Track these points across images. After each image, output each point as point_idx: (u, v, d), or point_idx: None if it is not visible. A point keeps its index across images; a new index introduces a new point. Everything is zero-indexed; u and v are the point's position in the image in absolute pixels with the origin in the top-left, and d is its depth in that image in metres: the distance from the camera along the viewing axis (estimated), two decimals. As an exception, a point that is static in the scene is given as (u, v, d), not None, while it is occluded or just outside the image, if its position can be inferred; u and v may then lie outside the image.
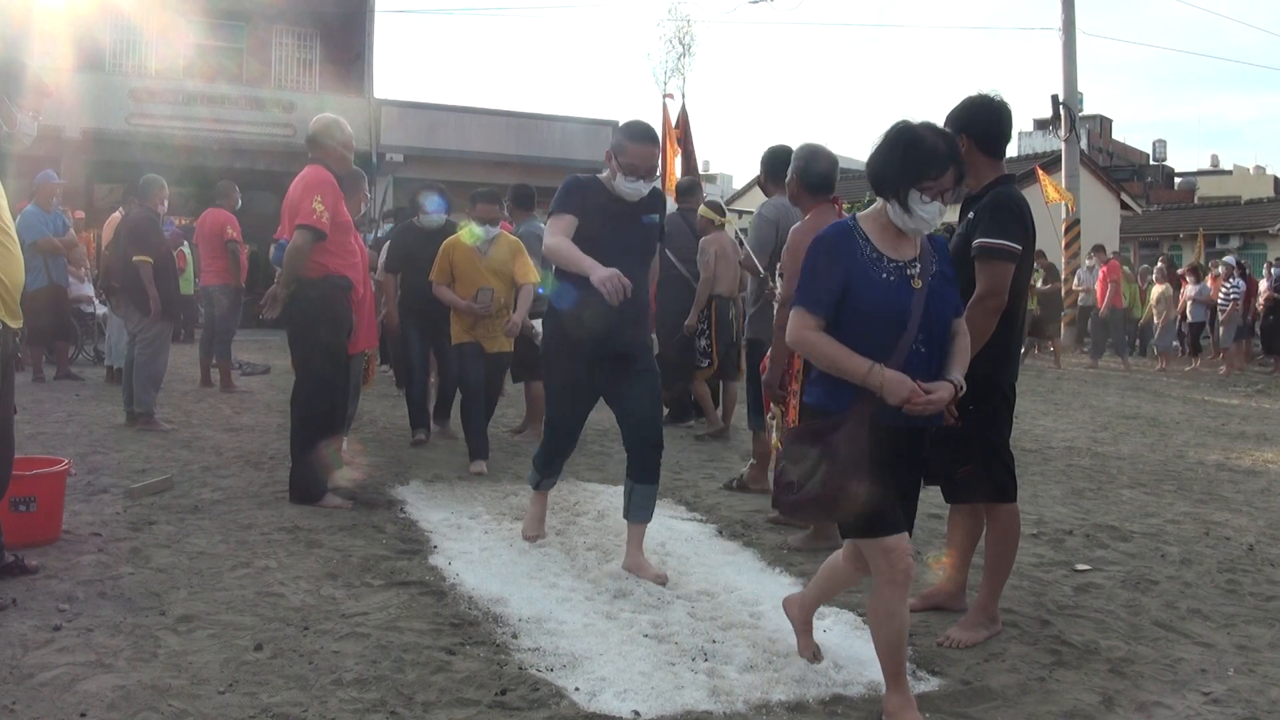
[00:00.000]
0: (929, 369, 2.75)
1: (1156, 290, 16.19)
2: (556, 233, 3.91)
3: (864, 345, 2.69)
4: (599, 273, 3.60)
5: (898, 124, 2.82)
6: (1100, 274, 16.26)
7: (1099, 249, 16.99)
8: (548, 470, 4.39)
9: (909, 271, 2.76)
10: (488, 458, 6.10)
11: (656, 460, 4.09)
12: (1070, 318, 18.09)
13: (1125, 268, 18.39)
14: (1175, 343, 16.37)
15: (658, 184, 4.07)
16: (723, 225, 7.58)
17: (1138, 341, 18.28)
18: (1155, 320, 16.20)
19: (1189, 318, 16.32)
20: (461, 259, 6.11)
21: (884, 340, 2.70)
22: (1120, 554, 4.63)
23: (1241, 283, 16.00)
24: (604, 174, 4.02)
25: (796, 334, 2.77)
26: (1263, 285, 16.44)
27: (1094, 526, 5.13)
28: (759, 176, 5.77)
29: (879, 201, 2.81)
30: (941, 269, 2.85)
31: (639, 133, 3.93)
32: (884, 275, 2.74)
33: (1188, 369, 15.79)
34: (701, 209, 7.58)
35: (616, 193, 3.94)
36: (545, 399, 4.30)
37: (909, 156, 2.73)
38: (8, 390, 3.64)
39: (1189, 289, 16.33)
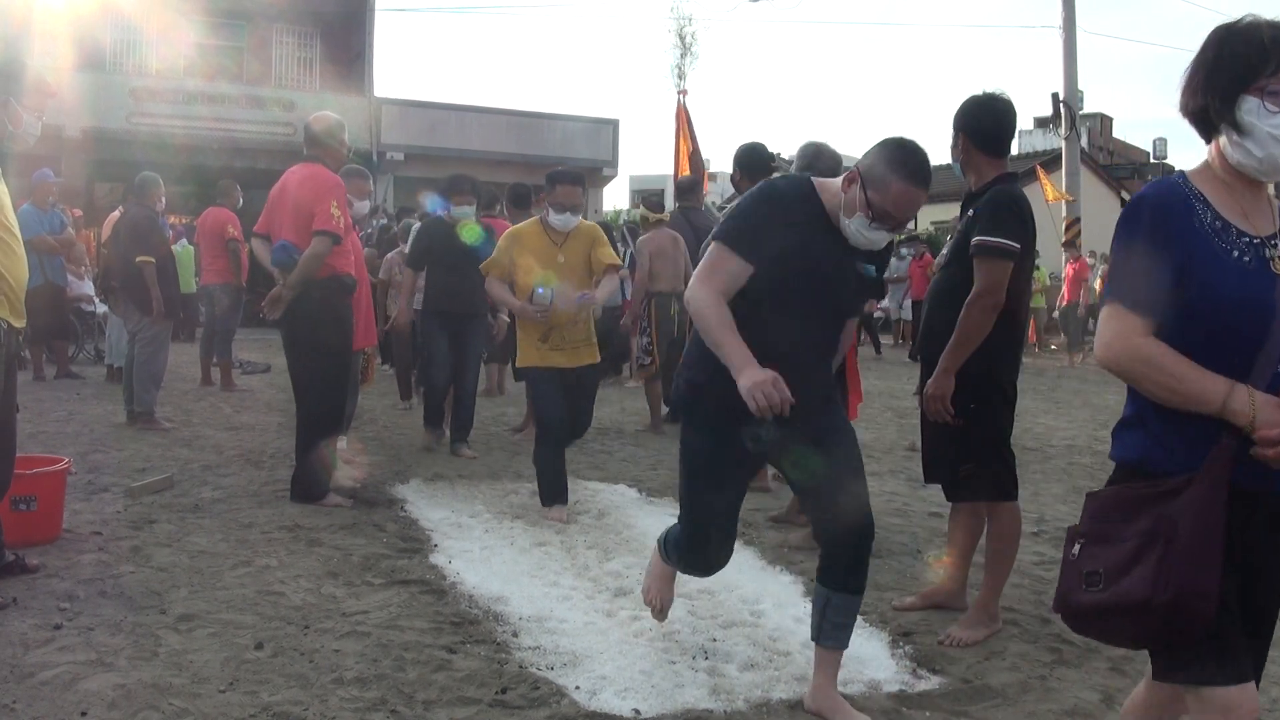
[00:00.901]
0: None
1: None
2: (711, 287, 2.69)
3: (1199, 361, 1.80)
4: (748, 378, 2.56)
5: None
6: (1068, 271, 16.31)
7: (1069, 245, 16.95)
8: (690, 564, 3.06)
9: (1268, 252, 1.85)
10: (566, 502, 5.01)
11: (867, 554, 2.86)
12: (1071, 315, 18.18)
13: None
14: None
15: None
16: (659, 222, 7.74)
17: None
18: None
19: None
20: (533, 254, 4.97)
21: (1231, 353, 1.79)
22: (1121, 552, 4.62)
23: None
24: (829, 191, 2.74)
25: (1122, 346, 1.82)
26: None
27: (1094, 525, 5.12)
28: (733, 174, 5.75)
29: (1209, 149, 1.93)
30: None
31: (912, 170, 2.60)
32: (1234, 254, 1.83)
33: None
34: (641, 208, 7.70)
35: (843, 231, 2.70)
36: (680, 494, 3.01)
37: (1224, 53, 1.85)
38: (11, 389, 3.65)
39: None
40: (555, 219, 4.98)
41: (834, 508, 2.78)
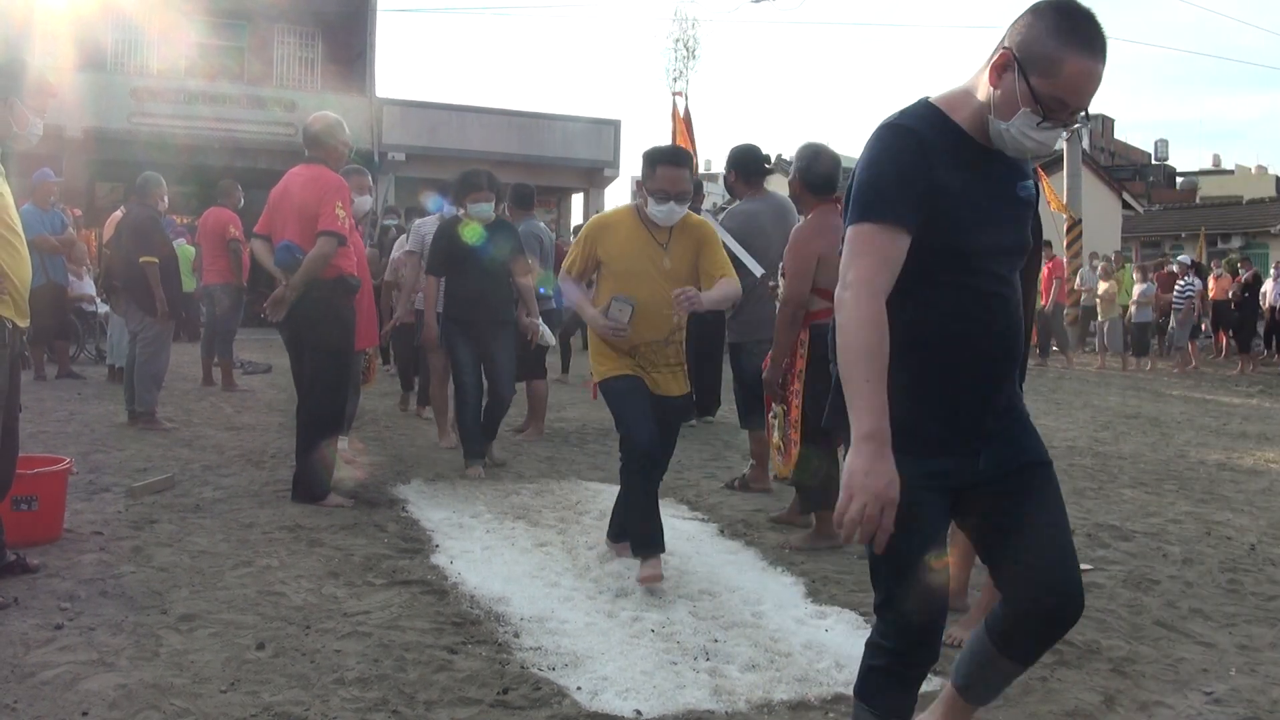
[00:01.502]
0: None
1: (1102, 287, 16.19)
2: (868, 289, 1.91)
3: None
4: (865, 470, 1.86)
5: None
6: (1044, 271, 16.35)
7: (1046, 245, 17.01)
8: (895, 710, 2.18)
9: None
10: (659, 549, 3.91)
11: (1064, 632, 2.15)
12: (1073, 316, 18.15)
13: (1127, 264, 18.51)
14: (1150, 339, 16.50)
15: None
16: None
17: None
18: (1099, 318, 16.23)
19: (1134, 318, 16.32)
20: (623, 250, 3.93)
21: None
22: (1122, 553, 4.63)
23: (1197, 281, 16.14)
24: (962, 104, 2.02)
25: None
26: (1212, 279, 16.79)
27: (1095, 526, 5.13)
28: (727, 175, 5.73)
29: None
30: None
31: (1088, 38, 1.89)
32: None
33: (1147, 369, 15.74)
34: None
35: (996, 143, 2.00)
36: (880, 572, 2.24)
37: None
38: (14, 389, 3.65)
39: (1135, 289, 16.32)
40: (657, 210, 3.87)
41: (1037, 572, 2.08)
